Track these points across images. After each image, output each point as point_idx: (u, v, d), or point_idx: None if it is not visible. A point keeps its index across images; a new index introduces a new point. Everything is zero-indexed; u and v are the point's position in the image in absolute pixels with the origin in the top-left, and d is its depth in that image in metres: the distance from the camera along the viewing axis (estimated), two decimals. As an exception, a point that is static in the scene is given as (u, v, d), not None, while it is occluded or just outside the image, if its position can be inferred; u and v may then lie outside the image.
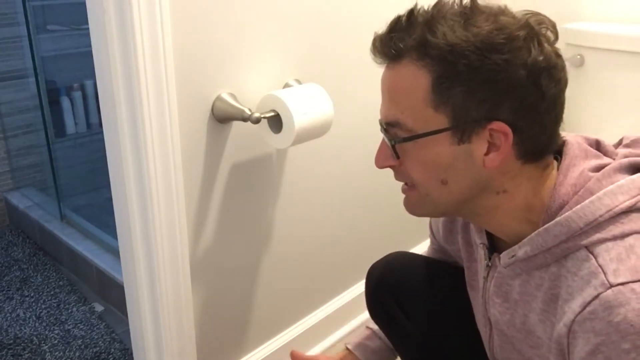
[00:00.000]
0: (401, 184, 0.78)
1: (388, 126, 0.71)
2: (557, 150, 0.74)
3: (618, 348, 0.58)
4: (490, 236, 0.80)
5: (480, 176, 0.69)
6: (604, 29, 1.62)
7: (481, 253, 0.82)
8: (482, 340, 0.87)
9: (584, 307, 0.60)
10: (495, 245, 0.80)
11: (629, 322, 0.57)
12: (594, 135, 0.76)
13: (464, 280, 0.91)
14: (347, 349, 1.07)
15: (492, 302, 0.79)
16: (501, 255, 0.75)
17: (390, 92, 0.71)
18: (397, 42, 0.68)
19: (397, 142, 0.70)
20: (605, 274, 0.60)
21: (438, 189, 0.71)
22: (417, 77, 0.67)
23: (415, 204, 0.76)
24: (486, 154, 0.67)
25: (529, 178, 0.70)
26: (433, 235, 1.02)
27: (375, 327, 1.08)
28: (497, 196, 0.70)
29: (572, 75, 1.87)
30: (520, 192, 0.71)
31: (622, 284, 0.59)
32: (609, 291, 0.59)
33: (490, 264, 0.79)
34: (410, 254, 1.07)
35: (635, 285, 0.58)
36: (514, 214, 0.71)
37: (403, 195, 0.78)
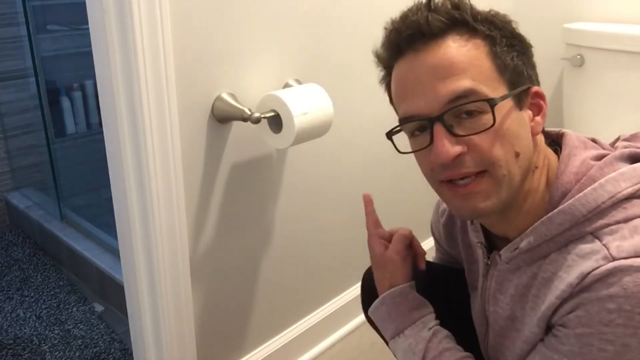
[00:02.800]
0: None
1: (457, 100, 0.66)
2: (556, 142, 0.75)
3: (602, 305, 0.58)
4: (487, 235, 0.80)
5: (531, 146, 0.70)
6: (604, 29, 1.62)
7: (479, 252, 0.82)
8: (479, 340, 0.87)
9: (583, 278, 0.61)
10: (492, 244, 0.80)
11: (622, 286, 0.57)
12: (589, 135, 0.77)
13: (459, 284, 0.91)
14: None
15: (494, 300, 0.79)
16: (502, 251, 0.75)
17: (450, 66, 0.66)
18: (440, 19, 0.67)
19: (497, 101, 0.65)
20: (608, 249, 0.61)
21: (514, 164, 0.67)
22: (476, 46, 0.68)
23: (489, 192, 0.67)
24: (532, 119, 0.70)
25: (545, 155, 0.73)
26: (437, 242, 1.02)
27: None
28: (532, 175, 0.71)
29: (572, 75, 1.89)
30: (543, 171, 0.72)
31: (625, 258, 0.59)
32: (610, 264, 0.59)
33: (489, 262, 0.79)
34: None
35: (638, 259, 0.58)
36: (535, 201, 0.71)
37: (461, 193, 0.69)
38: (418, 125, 0.70)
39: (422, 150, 0.70)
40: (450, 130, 0.66)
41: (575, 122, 1.74)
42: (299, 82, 1.21)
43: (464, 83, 0.66)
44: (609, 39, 1.59)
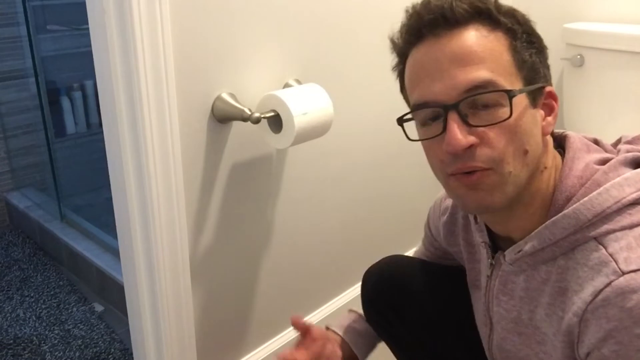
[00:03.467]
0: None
1: (475, 89, 0.65)
2: (559, 144, 0.75)
3: (631, 333, 0.58)
4: (490, 235, 0.80)
5: (541, 146, 0.69)
6: (604, 29, 1.62)
7: (483, 252, 0.82)
8: (482, 340, 0.87)
9: (596, 295, 0.60)
10: (496, 244, 0.80)
11: None
12: (591, 135, 0.76)
13: (460, 283, 0.90)
14: (332, 330, 1.03)
15: (498, 300, 0.78)
16: (506, 252, 0.74)
17: (470, 55, 0.65)
18: (464, 7, 0.67)
19: (516, 93, 0.65)
20: (616, 262, 0.60)
21: (521, 162, 0.66)
22: (497, 38, 0.67)
23: (494, 188, 0.66)
24: (543, 118, 0.70)
25: (554, 155, 0.72)
26: (432, 238, 1.02)
27: (359, 311, 1.06)
28: (541, 175, 0.70)
29: (572, 75, 1.89)
30: (552, 172, 0.71)
31: (634, 271, 0.59)
32: (621, 278, 0.59)
33: (493, 263, 0.78)
34: (405, 258, 1.06)
35: None
36: (543, 202, 0.71)
37: (464, 187, 0.68)
38: (431, 114, 0.69)
39: (433, 139, 0.69)
40: (465, 120, 0.65)
41: (575, 122, 1.74)
42: (299, 82, 1.21)
43: (483, 74, 0.65)
44: (609, 39, 1.59)
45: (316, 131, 1.11)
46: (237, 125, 1.14)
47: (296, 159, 1.29)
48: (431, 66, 0.67)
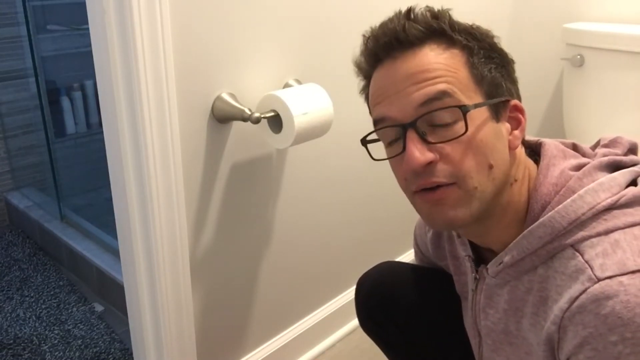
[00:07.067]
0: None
1: (430, 102, 0.65)
2: (535, 152, 0.75)
3: (606, 340, 0.57)
4: (474, 248, 0.79)
5: (507, 159, 0.69)
6: (604, 29, 1.62)
7: (467, 265, 0.81)
8: (473, 351, 0.87)
9: (572, 303, 0.60)
10: (480, 257, 0.79)
11: (617, 315, 0.56)
12: (569, 140, 0.76)
13: (454, 289, 0.90)
14: None
15: (485, 314, 0.78)
16: (488, 265, 0.74)
17: (425, 72, 0.66)
18: (418, 28, 0.67)
19: (469, 108, 0.65)
20: (592, 268, 0.60)
21: (486, 177, 0.66)
22: (453, 55, 0.68)
23: (458, 204, 0.67)
24: (510, 132, 0.70)
25: (525, 167, 0.72)
26: (422, 253, 1.02)
27: None
28: (511, 188, 0.70)
29: (572, 75, 1.89)
30: (524, 184, 0.71)
31: (610, 277, 0.58)
32: (597, 285, 0.59)
33: (477, 276, 0.78)
34: (399, 264, 1.05)
35: (623, 278, 0.57)
36: (517, 213, 0.71)
37: (428, 202, 0.68)
38: (393, 135, 0.70)
39: (396, 158, 0.70)
40: (423, 138, 0.66)
41: (575, 122, 1.74)
42: (299, 82, 1.22)
43: (438, 86, 0.66)
44: (609, 39, 1.59)
45: (316, 131, 1.11)
46: (237, 125, 1.14)
47: (296, 159, 1.29)
48: (388, 87, 0.69)
